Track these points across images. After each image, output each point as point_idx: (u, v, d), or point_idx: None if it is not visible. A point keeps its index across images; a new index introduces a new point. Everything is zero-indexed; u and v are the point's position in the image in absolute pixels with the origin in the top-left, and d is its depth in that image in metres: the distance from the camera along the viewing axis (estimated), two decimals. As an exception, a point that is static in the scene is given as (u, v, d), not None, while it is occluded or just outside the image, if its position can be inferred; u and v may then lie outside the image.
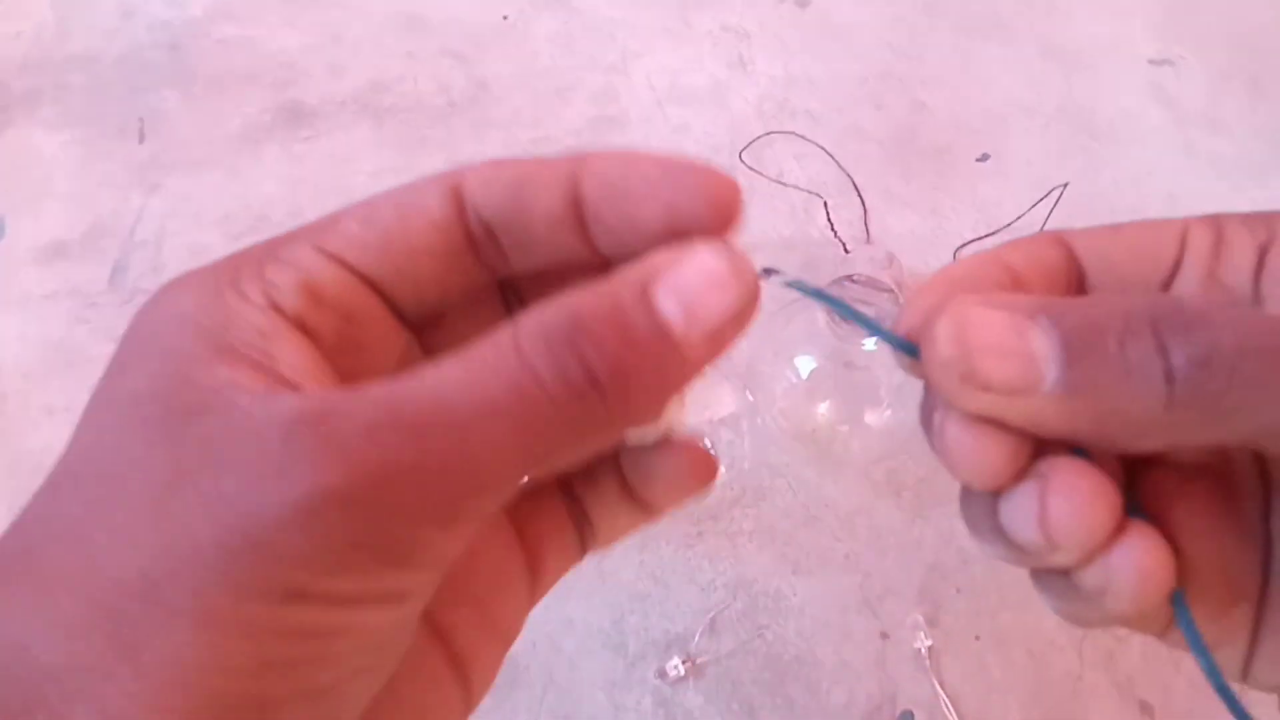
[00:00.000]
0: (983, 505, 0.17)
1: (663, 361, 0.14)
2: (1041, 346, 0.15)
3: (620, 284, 0.14)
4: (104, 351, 0.51)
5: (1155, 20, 0.72)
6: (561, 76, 0.66)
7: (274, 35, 0.68)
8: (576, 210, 0.16)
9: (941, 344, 0.15)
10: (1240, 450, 0.18)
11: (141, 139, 0.62)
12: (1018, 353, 0.15)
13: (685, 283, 0.14)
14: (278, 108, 0.64)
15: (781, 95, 0.65)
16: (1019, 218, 0.58)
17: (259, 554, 0.13)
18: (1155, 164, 0.62)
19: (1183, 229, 0.17)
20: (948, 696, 0.42)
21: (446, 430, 0.13)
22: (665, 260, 0.15)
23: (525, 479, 0.15)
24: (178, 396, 0.14)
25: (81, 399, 0.15)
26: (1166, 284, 0.17)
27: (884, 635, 0.43)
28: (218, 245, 0.56)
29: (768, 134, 0.62)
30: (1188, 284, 0.17)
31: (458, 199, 0.17)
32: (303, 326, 0.15)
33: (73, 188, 0.60)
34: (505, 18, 0.70)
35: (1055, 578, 0.17)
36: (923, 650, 0.43)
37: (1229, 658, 0.17)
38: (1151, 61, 0.69)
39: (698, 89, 0.66)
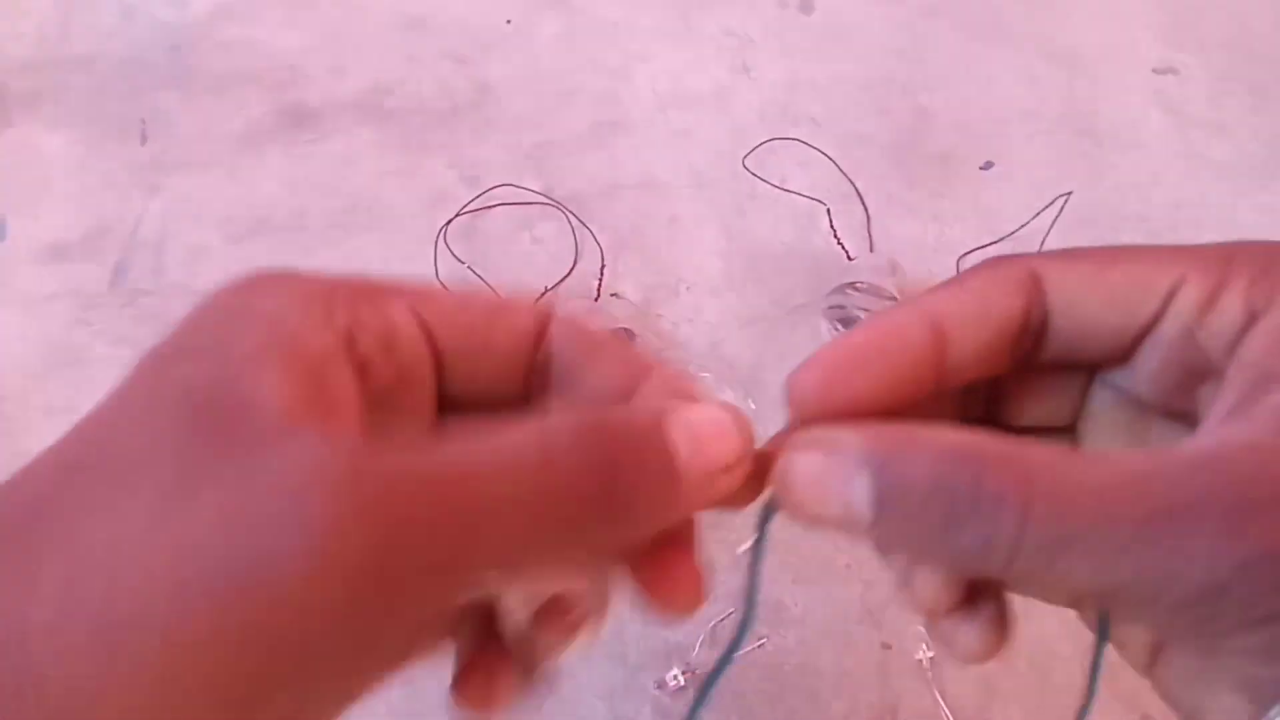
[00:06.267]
0: None
1: (663, 481, 0.16)
2: (859, 496, 0.16)
3: (640, 408, 0.17)
4: (105, 353, 0.52)
5: (1158, 26, 0.72)
6: (564, 80, 0.66)
7: (275, 36, 0.68)
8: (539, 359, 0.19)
9: (776, 480, 0.17)
10: None
11: (144, 140, 0.62)
12: (838, 497, 0.16)
13: (694, 421, 0.16)
14: (280, 110, 0.64)
15: (785, 100, 0.65)
16: (1022, 226, 0.57)
17: (265, 602, 0.13)
18: (1158, 169, 0.62)
19: (1173, 284, 0.17)
20: (949, 708, 0.41)
21: (468, 481, 0.14)
22: (679, 401, 0.17)
23: (527, 580, 0.16)
24: (217, 399, 0.14)
25: (81, 400, 0.15)
26: (1140, 337, 0.18)
27: (886, 646, 0.43)
28: (219, 247, 0.56)
29: (770, 140, 0.62)
30: (1162, 341, 0.18)
31: (546, 326, 0.19)
32: (364, 365, 0.17)
33: (74, 188, 0.59)
34: (508, 22, 0.70)
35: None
36: (925, 661, 0.42)
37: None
38: (1154, 68, 0.69)
39: (700, 93, 0.66)
